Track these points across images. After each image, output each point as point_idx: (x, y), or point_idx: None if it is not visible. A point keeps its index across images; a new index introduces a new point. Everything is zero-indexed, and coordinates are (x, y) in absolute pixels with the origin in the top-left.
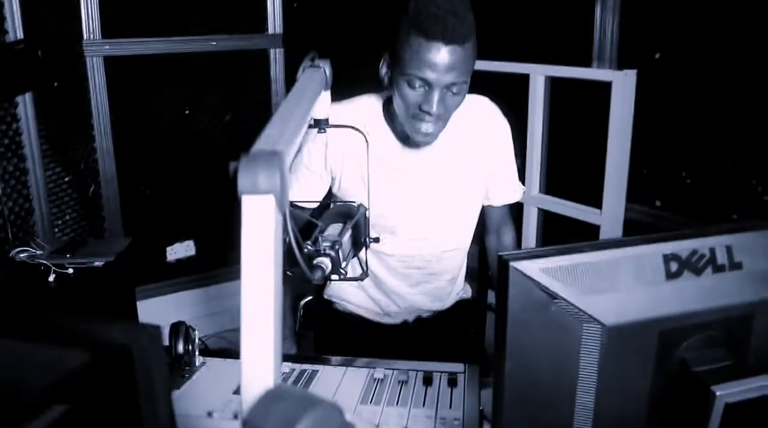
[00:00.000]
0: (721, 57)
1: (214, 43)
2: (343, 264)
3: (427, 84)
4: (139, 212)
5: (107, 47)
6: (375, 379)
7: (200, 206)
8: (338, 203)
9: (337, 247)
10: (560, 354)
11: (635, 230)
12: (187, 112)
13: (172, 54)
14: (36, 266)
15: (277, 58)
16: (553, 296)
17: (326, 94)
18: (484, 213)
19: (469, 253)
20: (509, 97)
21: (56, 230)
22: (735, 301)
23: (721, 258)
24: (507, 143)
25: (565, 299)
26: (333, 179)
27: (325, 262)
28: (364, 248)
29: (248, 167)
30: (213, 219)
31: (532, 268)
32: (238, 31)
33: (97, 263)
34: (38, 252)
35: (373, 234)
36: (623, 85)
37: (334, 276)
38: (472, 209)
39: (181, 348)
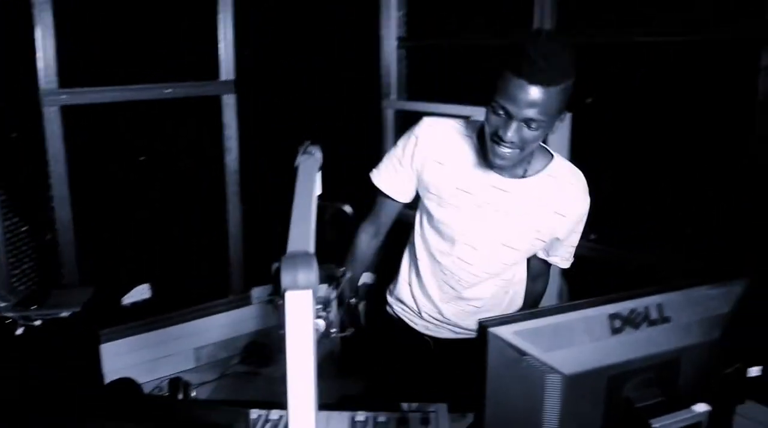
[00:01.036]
0: (648, 100)
1: (169, 90)
2: (334, 323)
3: (507, 114)
4: (96, 258)
5: (64, 96)
6: (357, 422)
7: (156, 250)
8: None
9: (328, 309)
10: (529, 399)
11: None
12: (142, 158)
13: (127, 102)
14: (1, 319)
15: (229, 103)
16: (522, 353)
17: (319, 174)
18: (530, 260)
19: None
20: None
21: (13, 279)
22: (666, 348)
23: (654, 314)
24: (582, 219)
25: (531, 355)
26: (418, 178)
27: (319, 323)
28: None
29: (289, 267)
30: (169, 263)
31: (506, 331)
32: (192, 78)
33: (63, 314)
34: (1, 304)
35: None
36: (560, 127)
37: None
38: (523, 255)
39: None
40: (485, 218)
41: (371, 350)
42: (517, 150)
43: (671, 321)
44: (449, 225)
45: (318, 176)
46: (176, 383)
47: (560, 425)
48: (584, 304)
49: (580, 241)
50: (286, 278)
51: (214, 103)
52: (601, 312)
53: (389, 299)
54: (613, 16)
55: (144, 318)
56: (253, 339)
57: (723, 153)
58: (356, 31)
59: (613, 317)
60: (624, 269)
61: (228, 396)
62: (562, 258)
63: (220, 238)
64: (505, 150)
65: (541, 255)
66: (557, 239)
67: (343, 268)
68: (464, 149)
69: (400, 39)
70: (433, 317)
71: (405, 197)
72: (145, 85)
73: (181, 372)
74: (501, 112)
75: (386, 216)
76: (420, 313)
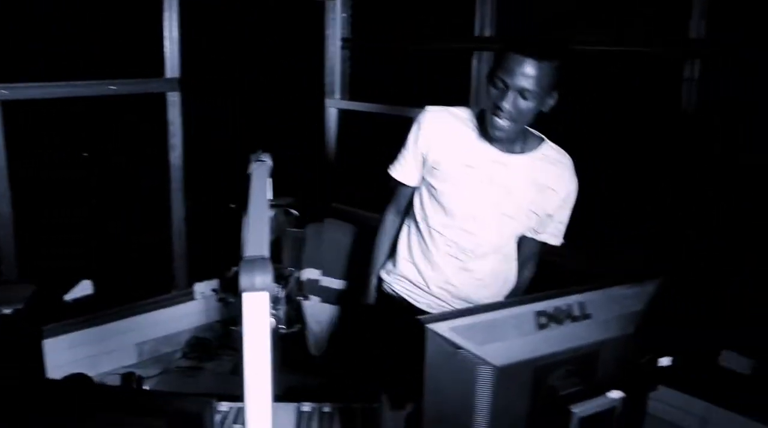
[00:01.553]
0: (584, 107)
1: (113, 87)
2: (283, 320)
3: (505, 85)
4: (36, 253)
5: (5, 91)
6: (303, 412)
7: (99, 246)
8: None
9: (278, 307)
10: (463, 389)
11: None
12: (85, 154)
13: (71, 98)
14: None
15: (174, 101)
16: (457, 347)
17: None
18: (520, 243)
19: None
20: None
21: None
22: (586, 342)
23: (577, 311)
24: (571, 196)
25: (465, 349)
26: (424, 159)
27: (270, 320)
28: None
29: (247, 271)
30: (112, 259)
31: (443, 327)
32: (136, 76)
33: (5, 311)
34: None
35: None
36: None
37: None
38: (518, 229)
39: None
40: (487, 190)
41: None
42: (513, 122)
43: (591, 317)
44: (454, 198)
45: (269, 182)
46: (130, 377)
47: (491, 412)
48: (513, 302)
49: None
50: (244, 281)
51: (158, 101)
52: (528, 310)
53: (388, 277)
54: (550, 25)
55: (86, 314)
56: (196, 334)
57: (650, 158)
58: (302, 32)
59: (539, 314)
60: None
61: (172, 391)
62: (552, 235)
63: (163, 234)
64: (502, 121)
65: (530, 235)
66: (548, 215)
67: (291, 268)
68: (465, 129)
69: (344, 40)
70: (443, 289)
71: (417, 181)
72: (89, 81)
73: (125, 367)
74: (500, 84)
75: (404, 199)
76: (428, 286)
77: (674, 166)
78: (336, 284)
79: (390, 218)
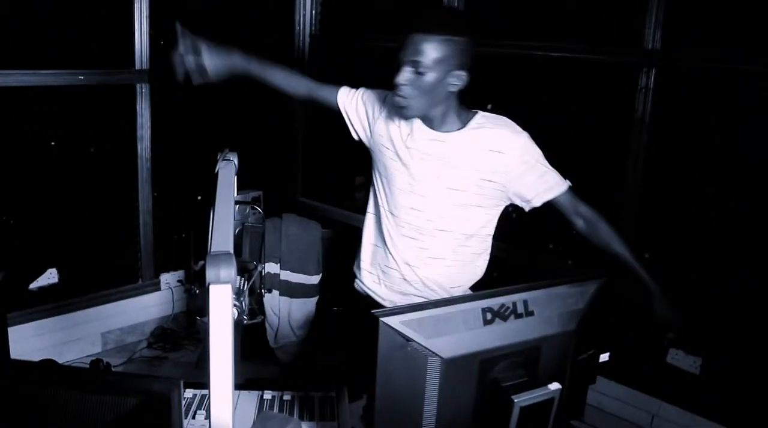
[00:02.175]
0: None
1: (82, 77)
2: (245, 311)
3: (400, 61)
4: (2, 242)
5: None
6: (265, 399)
7: (64, 235)
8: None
9: (241, 299)
10: (413, 379)
11: None
12: (53, 144)
13: (39, 87)
14: None
15: (143, 92)
16: (408, 339)
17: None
18: (571, 215)
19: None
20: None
21: None
22: (529, 337)
23: (521, 309)
24: (527, 152)
25: (416, 341)
26: (371, 126)
27: (233, 312)
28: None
29: (213, 265)
30: (76, 248)
31: (394, 321)
32: (106, 66)
33: None
34: None
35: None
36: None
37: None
38: (472, 201)
39: None
40: (430, 167)
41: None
42: (412, 98)
43: (535, 314)
44: (400, 177)
45: (235, 180)
46: (97, 364)
47: (439, 401)
48: (461, 299)
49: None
50: (210, 274)
51: (128, 92)
52: (475, 306)
53: (357, 272)
54: (516, 30)
55: (51, 303)
56: (161, 324)
57: (604, 161)
58: (271, 27)
59: (485, 310)
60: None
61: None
62: (547, 190)
63: (131, 224)
64: (399, 98)
65: (533, 203)
66: (514, 178)
67: (255, 262)
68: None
69: (313, 36)
70: (406, 274)
71: (342, 109)
72: (58, 70)
73: (89, 356)
74: (398, 62)
75: (322, 94)
76: (404, 276)
77: (629, 170)
78: (294, 277)
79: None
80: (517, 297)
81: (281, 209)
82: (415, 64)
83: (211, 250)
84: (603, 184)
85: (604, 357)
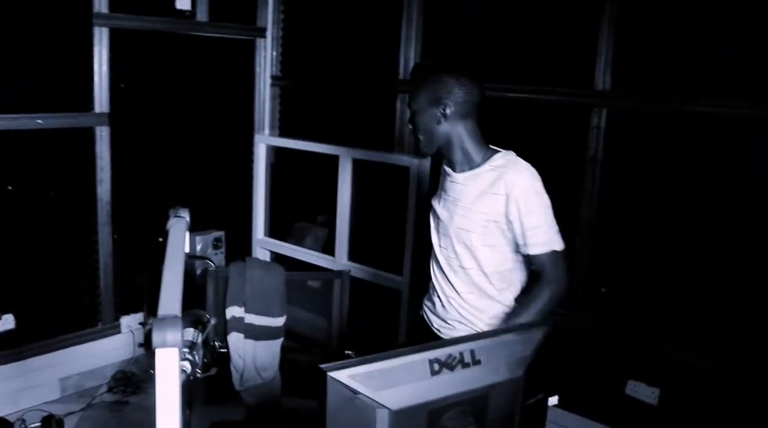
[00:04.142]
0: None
1: (41, 121)
2: (199, 364)
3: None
4: None
5: None
6: None
7: (21, 280)
8: (188, 311)
9: (194, 352)
10: None
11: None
12: (9, 188)
13: None
14: None
15: (103, 135)
16: (355, 392)
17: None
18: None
19: None
20: None
21: None
22: (477, 386)
23: (468, 358)
24: (525, 198)
25: (364, 394)
26: None
27: (185, 365)
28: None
29: (159, 329)
30: (34, 293)
31: (342, 374)
32: (64, 110)
33: None
34: None
35: None
36: (419, 170)
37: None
38: (483, 241)
39: None
40: (445, 208)
41: None
42: (419, 140)
43: (482, 363)
44: (434, 217)
45: (187, 237)
46: (49, 421)
47: None
48: (408, 351)
49: None
50: (156, 338)
51: (87, 135)
52: (422, 357)
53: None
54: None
55: (7, 349)
56: (122, 367)
57: (560, 199)
58: (231, 69)
59: (432, 361)
60: None
61: (95, 427)
62: (532, 245)
63: (91, 267)
64: (415, 139)
65: (523, 250)
66: (512, 221)
67: (208, 315)
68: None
69: (273, 77)
70: (443, 303)
71: None
72: (16, 114)
73: (46, 403)
74: None
75: None
76: (444, 305)
77: (583, 206)
78: (258, 320)
79: None
80: (464, 347)
81: (240, 252)
82: (410, 107)
83: (159, 313)
84: (559, 221)
85: (552, 400)
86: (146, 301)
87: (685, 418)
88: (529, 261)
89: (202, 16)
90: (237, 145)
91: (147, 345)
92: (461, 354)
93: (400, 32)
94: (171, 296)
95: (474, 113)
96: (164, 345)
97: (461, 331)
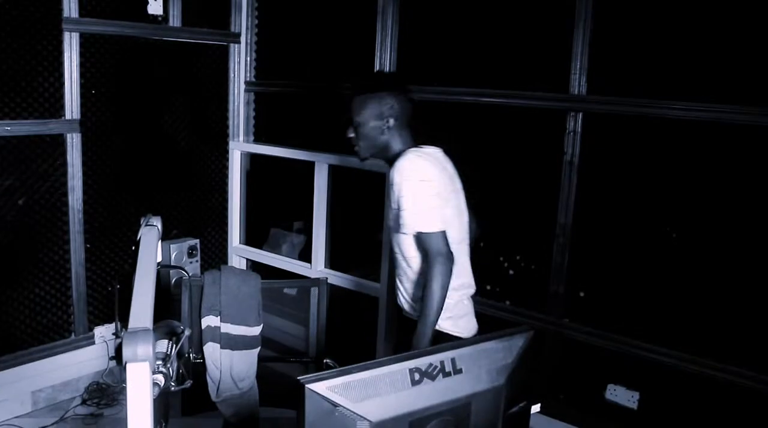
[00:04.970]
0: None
1: (8, 128)
2: (173, 377)
3: (348, 119)
4: None
5: None
6: None
7: None
8: (162, 322)
9: (168, 364)
10: None
11: None
12: None
13: None
14: None
15: (74, 142)
16: (335, 404)
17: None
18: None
19: None
20: None
21: None
22: (459, 395)
23: (448, 367)
24: (394, 187)
25: (343, 406)
26: None
27: (159, 378)
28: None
29: (129, 342)
30: (4, 303)
31: (321, 386)
32: (34, 116)
33: None
34: None
35: None
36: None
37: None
38: (394, 231)
39: None
40: (386, 204)
41: None
42: (360, 145)
43: (463, 371)
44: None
45: (159, 246)
46: None
47: None
48: (388, 361)
49: None
50: (127, 352)
51: (58, 143)
52: (402, 367)
53: None
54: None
55: None
56: (96, 379)
57: (537, 203)
58: (206, 74)
59: (413, 370)
60: None
61: None
62: (405, 226)
63: (63, 277)
64: (356, 148)
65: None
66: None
67: (182, 326)
68: None
69: (248, 83)
70: (401, 291)
71: None
72: None
73: (17, 417)
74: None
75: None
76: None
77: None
78: (234, 329)
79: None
80: (445, 356)
81: (215, 260)
82: (352, 118)
83: (129, 326)
84: (536, 225)
85: (535, 408)
86: (118, 311)
87: (666, 422)
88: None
89: (174, 21)
90: (211, 151)
91: (118, 359)
92: (442, 362)
93: (375, 37)
94: (142, 309)
95: (408, 120)
96: (135, 359)
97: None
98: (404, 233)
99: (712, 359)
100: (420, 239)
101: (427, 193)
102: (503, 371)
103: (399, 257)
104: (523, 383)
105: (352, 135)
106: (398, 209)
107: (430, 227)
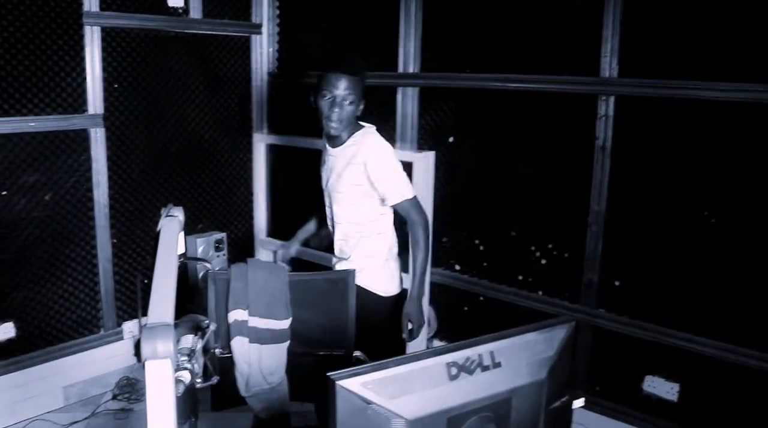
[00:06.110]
0: (501, 140)
1: (32, 124)
2: (199, 373)
3: (333, 98)
4: None
5: None
6: None
7: (20, 287)
8: (186, 317)
9: (193, 360)
10: None
11: (440, 291)
12: (4, 193)
13: None
14: None
15: (98, 137)
16: (368, 402)
17: (182, 234)
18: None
19: None
20: None
21: None
22: (498, 390)
23: (487, 361)
24: (374, 162)
25: (377, 404)
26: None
27: (184, 375)
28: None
29: (148, 339)
30: (33, 300)
31: (353, 383)
32: (57, 112)
33: None
34: None
35: None
36: (424, 164)
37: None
38: (353, 201)
39: None
40: (328, 176)
41: None
42: (340, 123)
43: (502, 365)
44: (323, 183)
45: (180, 237)
46: None
47: None
48: (424, 354)
49: (445, 271)
50: (146, 350)
51: (82, 138)
52: (439, 361)
53: None
54: (476, 64)
55: (8, 358)
56: (126, 374)
57: (570, 189)
58: (228, 66)
59: (450, 364)
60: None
61: None
62: (390, 196)
63: (90, 273)
64: (334, 123)
65: (385, 203)
66: (373, 183)
67: (208, 321)
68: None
69: (270, 74)
70: (338, 250)
71: None
72: (7, 117)
73: (49, 412)
74: (328, 97)
75: None
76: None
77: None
78: (262, 323)
79: None
80: (483, 349)
81: (246, 250)
82: (346, 98)
83: (148, 322)
84: (568, 213)
85: (578, 403)
86: (142, 306)
87: (708, 414)
88: (393, 213)
89: (195, 13)
90: (235, 144)
91: (138, 356)
92: (480, 356)
93: (398, 25)
94: (162, 303)
95: None
96: (155, 356)
97: (344, 265)
98: (379, 204)
99: (755, 348)
100: (403, 206)
101: (399, 165)
102: (544, 364)
103: (343, 225)
104: (565, 376)
105: (337, 115)
106: (379, 184)
107: (412, 192)
